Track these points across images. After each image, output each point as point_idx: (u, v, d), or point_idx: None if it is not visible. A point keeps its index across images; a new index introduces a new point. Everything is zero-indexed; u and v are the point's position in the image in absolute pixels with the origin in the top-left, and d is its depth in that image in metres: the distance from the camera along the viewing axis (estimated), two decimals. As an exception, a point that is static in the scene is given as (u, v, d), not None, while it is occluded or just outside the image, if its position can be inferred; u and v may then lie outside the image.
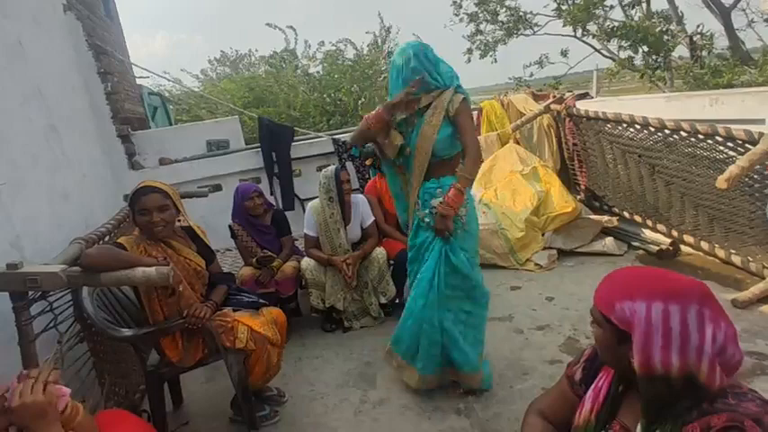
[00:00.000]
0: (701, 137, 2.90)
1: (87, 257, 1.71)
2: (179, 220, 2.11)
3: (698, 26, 9.21)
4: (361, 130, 2.23)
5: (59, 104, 2.87)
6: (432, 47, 2.13)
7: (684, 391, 0.88)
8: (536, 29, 10.83)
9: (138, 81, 5.98)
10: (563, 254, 3.77)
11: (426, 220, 2.17)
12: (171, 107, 8.52)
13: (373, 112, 2.18)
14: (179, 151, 4.20)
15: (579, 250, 3.77)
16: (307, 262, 3.00)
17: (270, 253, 3.00)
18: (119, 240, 1.94)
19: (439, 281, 2.13)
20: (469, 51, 11.71)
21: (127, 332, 1.95)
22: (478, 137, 4.51)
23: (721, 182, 2.46)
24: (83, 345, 2.04)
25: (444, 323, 2.15)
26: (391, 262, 3.09)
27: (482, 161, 2.20)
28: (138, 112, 5.22)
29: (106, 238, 2.26)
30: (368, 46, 9.45)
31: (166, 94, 8.83)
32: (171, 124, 7.42)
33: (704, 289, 0.92)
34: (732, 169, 2.46)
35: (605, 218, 3.87)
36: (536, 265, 3.65)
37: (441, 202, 2.07)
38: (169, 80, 6.45)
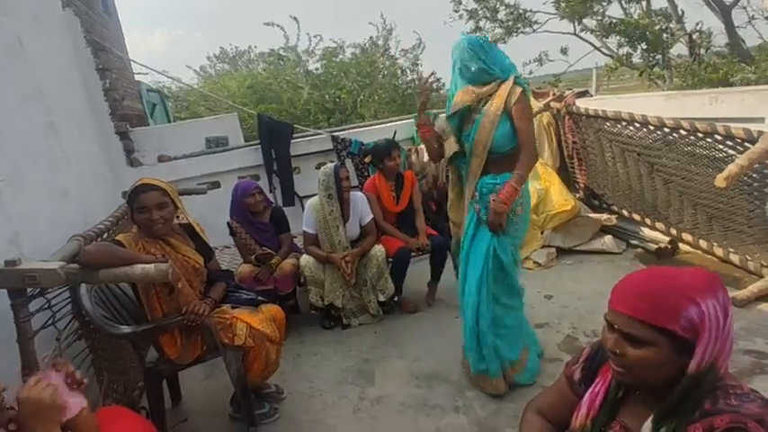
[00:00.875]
0: (700, 135, 2.90)
1: (86, 254, 1.71)
2: (177, 217, 2.11)
3: (697, 24, 9.19)
4: (426, 144, 2.36)
5: (58, 102, 2.86)
6: (482, 38, 2.16)
7: (702, 381, 0.89)
8: (535, 27, 10.82)
9: (137, 78, 5.96)
10: (562, 252, 3.77)
11: (482, 213, 2.18)
12: (170, 104, 8.50)
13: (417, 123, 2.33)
14: (178, 148, 4.19)
15: (578, 248, 3.77)
16: (306, 259, 3.00)
17: (269, 250, 2.99)
18: (117, 238, 1.94)
19: (487, 276, 2.15)
20: (469, 49, 11.63)
21: (125, 329, 1.95)
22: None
23: (720, 180, 2.46)
24: (81, 342, 2.04)
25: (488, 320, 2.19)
26: (390, 260, 3.09)
27: (537, 157, 2.17)
28: (137, 109, 5.20)
29: (104, 236, 2.26)
30: (368, 42, 9.44)
31: (165, 91, 8.81)
32: (170, 121, 7.40)
33: (715, 274, 0.94)
34: (731, 168, 2.46)
35: (604, 216, 3.87)
36: (535, 263, 3.65)
37: (494, 199, 2.05)
38: (168, 77, 6.44)
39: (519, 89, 2.06)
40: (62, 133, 2.77)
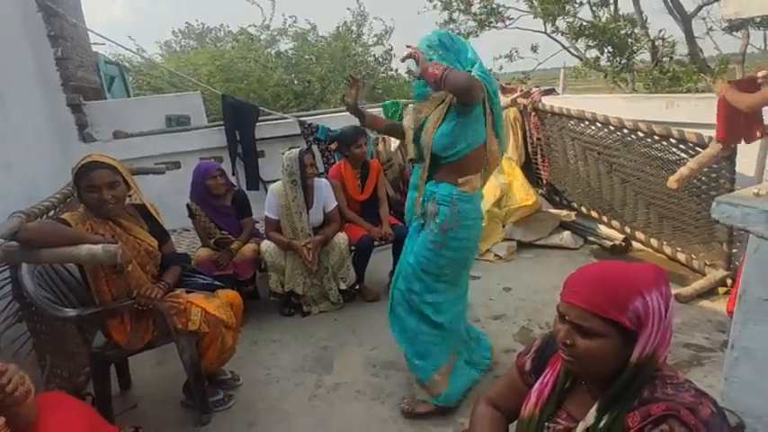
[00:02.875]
0: (656, 138, 3.01)
1: (27, 232, 1.61)
2: (129, 196, 2.01)
3: (660, 31, 9.55)
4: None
5: (4, 69, 2.68)
6: (449, 34, 1.90)
7: (643, 370, 0.92)
8: (508, 22, 10.93)
9: (94, 48, 5.63)
10: (522, 246, 3.86)
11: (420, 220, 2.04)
12: (130, 78, 8.10)
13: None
14: (136, 125, 4.01)
15: (537, 243, 3.87)
16: (266, 245, 2.94)
17: (228, 234, 2.92)
18: (63, 216, 1.83)
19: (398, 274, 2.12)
20: (441, 40, 11.66)
21: (70, 312, 1.85)
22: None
23: (672, 182, 2.57)
24: (22, 324, 1.93)
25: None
26: (352, 248, 3.07)
27: (472, 86, 1.74)
28: (93, 82, 4.92)
29: (51, 213, 2.14)
30: (342, 26, 9.31)
31: (126, 65, 8.39)
32: (129, 96, 7.06)
33: (662, 269, 0.97)
34: (682, 170, 2.57)
35: (564, 212, 3.98)
36: (495, 255, 3.73)
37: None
38: (129, 49, 6.10)
39: None
40: (7, 103, 2.60)
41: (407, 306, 2.05)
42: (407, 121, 2.07)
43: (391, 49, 9.66)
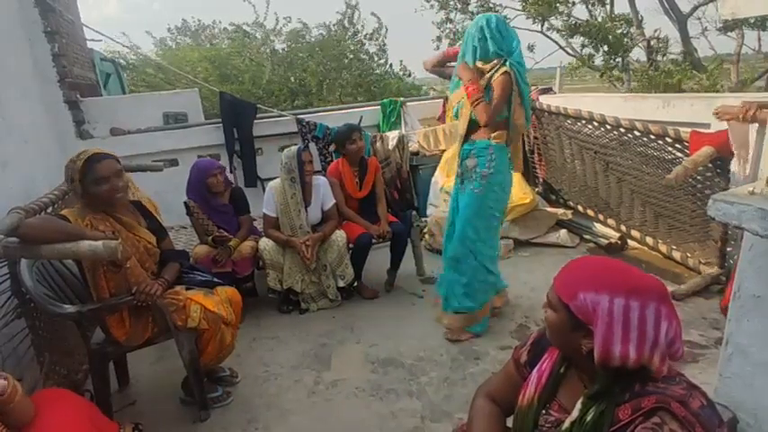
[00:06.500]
0: (652, 137, 3.04)
1: (26, 227, 1.60)
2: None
3: (655, 31, 9.60)
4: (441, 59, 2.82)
5: (0, 64, 2.66)
6: (502, 20, 2.43)
7: (635, 376, 0.93)
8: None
9: (90, 45, 5.60)
10: (518, 244, 3.88)
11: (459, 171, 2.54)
12: (125, 75, 8.06)
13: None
14: (133, 122, 4.00)
15: (534, 241, 3.89)
16: (265, 242, 2.94)
17: (225, 233, 2.92)
18: (62, 212, 1.83)
19: (454, 230, 2.59)
20: (438, 39, 11.71)
21: (69, 309, 1.85)
22: (444, 125, 4.55)
23: (668, 180, 2.59)
24: (21, 321, 1.93)
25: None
26: (351, 245, 3.08)
27: (486, 121, 2.36)
28: (89, 78, 4.89)
29: (49, 209, 2.13)
30: (334, 25, 9.29)
31: (121, 62, 8.35)
32: (125, 93, 7.03)
33: (663, 289, 0.96)
34: (678, 169, 2.59)
35: (560, 211, 4.00)
36: (493, 253, 3.74)
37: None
38: (125, 45, 6.07)
39: (503, 69, 2.33)
40: (3, 99, 2.58)
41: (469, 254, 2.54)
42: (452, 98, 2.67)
43: (384, 45, 9.64)
